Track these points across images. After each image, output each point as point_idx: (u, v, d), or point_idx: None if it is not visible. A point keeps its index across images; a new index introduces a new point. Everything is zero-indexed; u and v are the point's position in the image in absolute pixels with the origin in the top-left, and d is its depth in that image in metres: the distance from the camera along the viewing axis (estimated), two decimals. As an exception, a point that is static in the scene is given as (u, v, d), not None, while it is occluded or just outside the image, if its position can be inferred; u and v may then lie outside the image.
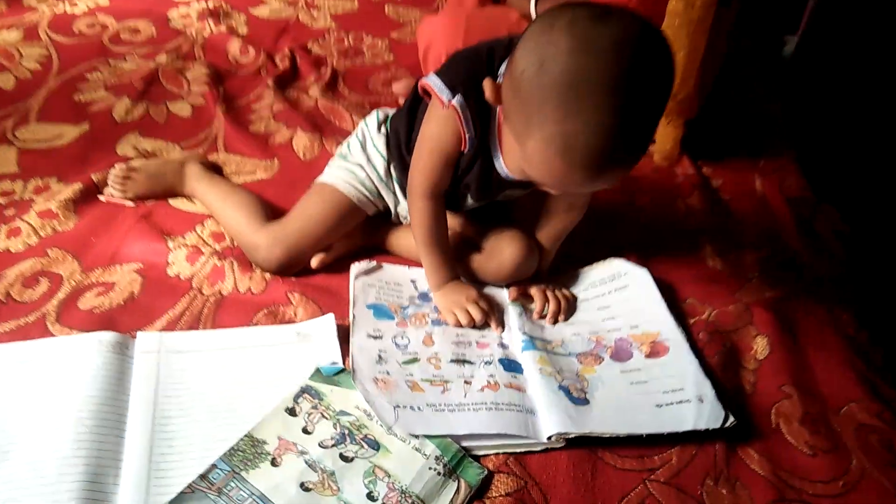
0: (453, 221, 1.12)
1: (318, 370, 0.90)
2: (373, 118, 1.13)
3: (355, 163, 1.10)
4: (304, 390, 0.87)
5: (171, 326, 0.96)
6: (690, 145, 1.40)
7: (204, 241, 1.10)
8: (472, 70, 0.87)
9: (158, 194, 1.16)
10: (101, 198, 1.15)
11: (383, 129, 1.11)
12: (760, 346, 1.02)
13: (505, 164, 0.90)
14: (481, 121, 0.89)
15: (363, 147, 1.11)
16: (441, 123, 0.91)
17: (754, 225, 1.27)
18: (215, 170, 1.23)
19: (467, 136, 0.89)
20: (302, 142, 1.34)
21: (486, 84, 0.80)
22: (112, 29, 1.62)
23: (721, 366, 0.98)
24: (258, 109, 1.41)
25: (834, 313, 1.09)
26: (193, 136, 1.33)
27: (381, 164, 1.09)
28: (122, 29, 1.62)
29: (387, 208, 1.13)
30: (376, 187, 1.10)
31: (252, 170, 1.26)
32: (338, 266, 1.08)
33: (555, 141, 0.71)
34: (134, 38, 1.60)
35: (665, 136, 1.36)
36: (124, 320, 0.96)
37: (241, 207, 1.10)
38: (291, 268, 1.05)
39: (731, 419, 0.87)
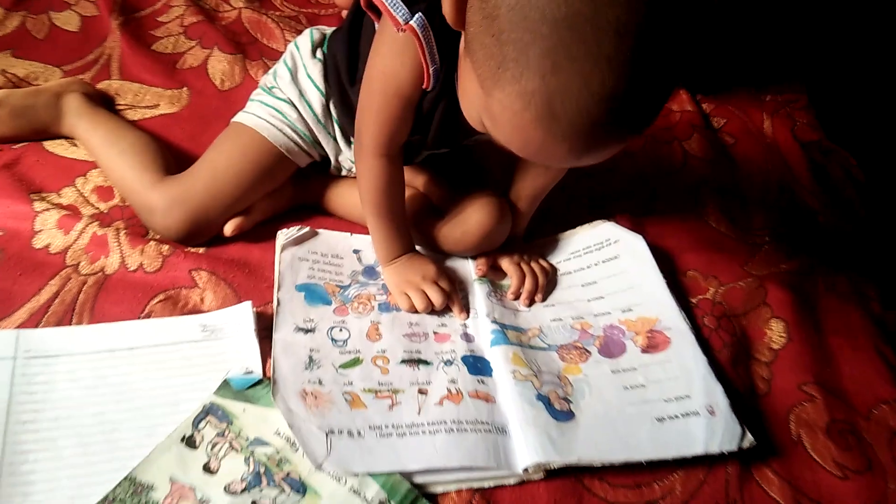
0: (407, 175, 0.89)
1: (226, 382, 0.69)
2: (305, 39, 0.88)
3: (284, 99, 0.86)
4: (208, 411, 0.67)
5: (34, 320, 0.73)
6: (687, 76, 1.19)
7: (85, 198, 0.86)
8: None
9: (28, 134, 0.91)
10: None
11: (319, 54, 0.87)
12: (776, 333, 0.85)
13: (462, 107, 0.66)
14: (448, 47, 0.65)
15: (293, 77, 0.87)
16: (395, 53, 0.68)
17: (764, 175, 1.08)
18: (104, 103, 0.97)
19: (431, 69, 0.66)
20: (220, 65, 1.08)
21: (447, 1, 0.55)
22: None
23: (731, 360, 0.81)
24: (166, 23, 1.14)
25: (857, 287, 0.92)
26: (80, 58, 1.05)
27: (317, 101, 0.86)
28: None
29: (324, 157, 0.90)
30: (311, 132, 0.87)
31: (154, 102, 1.01)
32: (259, 233, 0.86)
33: (534, 101, 0.49)
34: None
35: (661, 65, 1.13)
36: (-30, 312, 0.73)
37: (134, 155, 0.86)
38: (197, 236, 0.83)
39: (750, 438, 0.71)
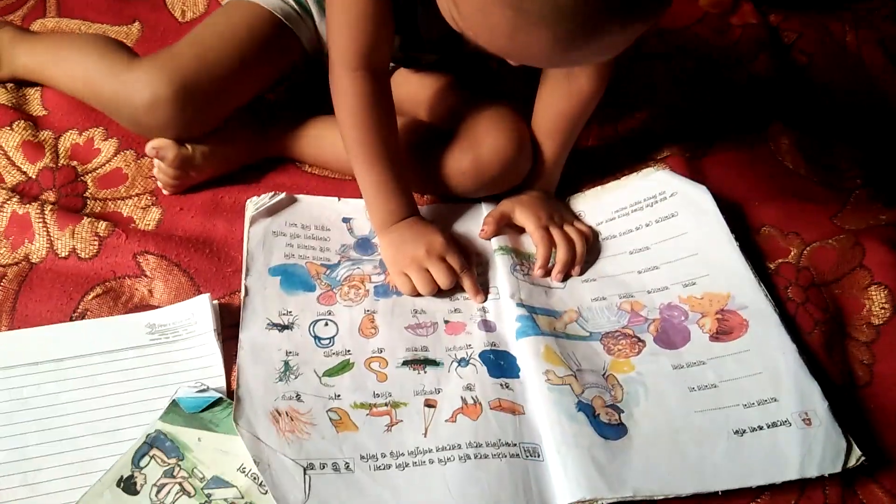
0: (406, 91, 0.75)
1: (175, 403, 0.54)
2: None
3: None
4: (153, 442, 0.52)
5: (-61, 325, 0.58)
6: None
7: (9, 158, 0.70)
8: None
9: None
10: None
11: None
12: (877, 304, 0.67)
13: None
14: None
15: None
16: None
17: (849, 101, 0.88)
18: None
19: None
20: (180, -8, 0.89)
21: None
22: None
23: (823, 344, 0.63)
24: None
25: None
26: (11, -8, 0.88)
27: None
28: None
29: (316, 48, 0.74)
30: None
31: (98, 42, 0.83)
32: (222, 202, 0.70)
33: None
34: None
35: (719, -31, 0.93)
36: None
37: (96, 47, 0.72)
38: (188, 116, 0.66)
39: (858, 453, 0.54)
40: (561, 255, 0.67)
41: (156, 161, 0.68)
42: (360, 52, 0.61)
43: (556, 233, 0.69)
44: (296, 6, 0.71)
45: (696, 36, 0.95)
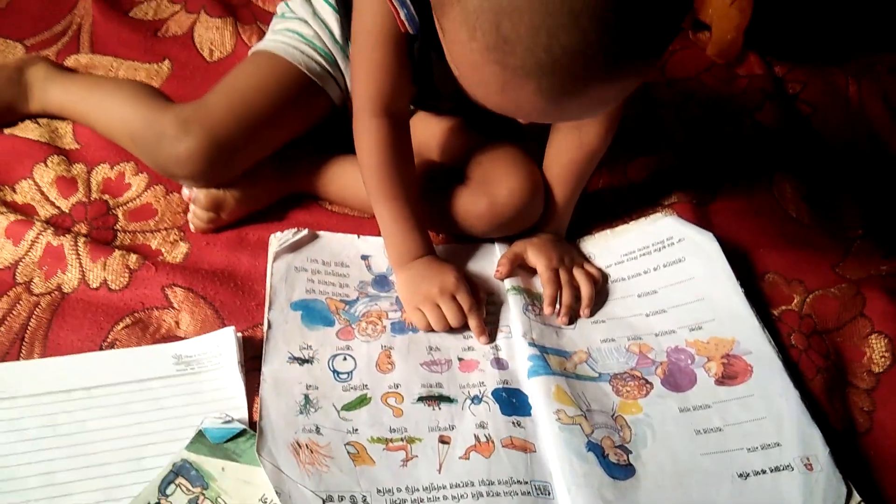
0: (426, 135, 0.78)
1: (202, 433, 0.56)
2: None
3: (297, 18, 0.75)
4: (179, 471, 0.54)
5: (-26, 353, 0.61)
6: (756, 34, 1.00)
7: (43, 193, 0.73)
8: None
9: None
10: None
11: None
12: (878, 352, 0.69)
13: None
14: None
15: None
16: (366, 1, 0.62)
17: (851, 151, 0.91)
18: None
19: (402, 13, 0.58)
20: (207, 33, 0.93)
21: None
22: None
23: (825, 389, 0.65)
24: (147, -17, 0.99)
25: (973, 290, 0.75)
26: (46, 29, 0.91)
27: (331, 18, 0.75)
28: None
29: (343, 98, 0.78)
30: (330, 50, 0.75)
31: (129, 76, 0.86)
32: (247, 238, 0.72)
33: (479, 24, 0.40)
34: None
35: (725, 22, 0.97)
36: None
37: (130, 90, 0.76)
38: (220, 166, 0.69)
39: (858, 499, 0.56)
40: (565, 297, 0.70)
41: (191, 205, 0.71)
42: (381, 99, 0.64)
43: (563, 275, 0.71)
44: (323, 62, 0.74)
45: (703, 85, 0.98)
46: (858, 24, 1.10)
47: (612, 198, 0.82)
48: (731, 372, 0.64)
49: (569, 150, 0.72)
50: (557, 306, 0.70)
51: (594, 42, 0.38)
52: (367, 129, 0.65)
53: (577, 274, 0.72)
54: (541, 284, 0.72)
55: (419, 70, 0.65)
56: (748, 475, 0.57)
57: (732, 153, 0.89)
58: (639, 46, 0.40)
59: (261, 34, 0.92)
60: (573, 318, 0.70)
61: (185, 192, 0.72)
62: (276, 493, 0.52)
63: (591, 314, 0.71)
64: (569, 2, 0.37)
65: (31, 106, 0.80)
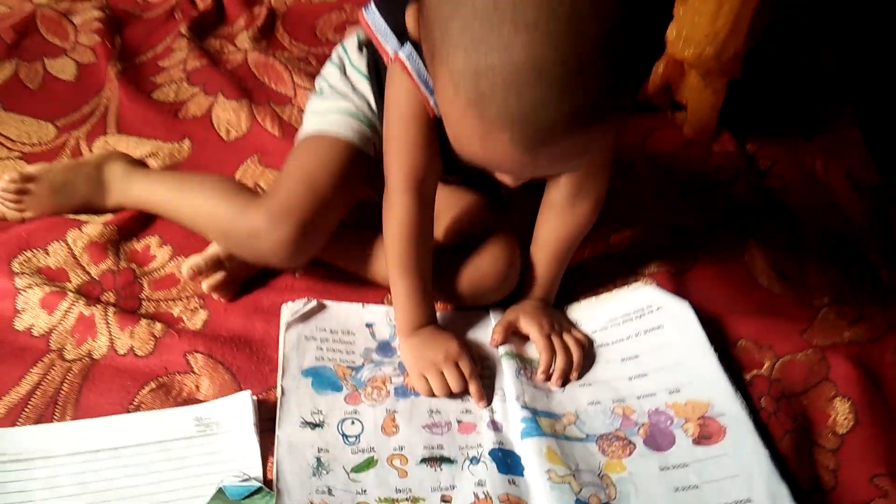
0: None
1: (220, 492, 0.61)
2: (351, 40, 0.83)
3: (338, 94, 0.81)
4: (201, 527, 0.59)
5: (11, 416, 0.66)
6: (729, 114, 1.09)
7: (76, 258, 0.79)
8: None
9: (68, 210, 0.84)
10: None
11: (365, 51, 0.81)
12: (842, 414, 0.75)
13: None
14: None
15: (343, 72, 0.82)
16: (396, 82, 0.68)
17: (818, 225, 0.98)
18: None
19: (431, 100, 0.64)
20: (224, 114, 1.01)
21: (409, 12, 0.55)
22: (-19, -46, 1.24)
23: (793, 449, 0.71)
24: (168, 68, 1.07)
25: (931, 356, 0.82)
26: (75, 110, 0.99)
27: (368, 90, 0.80)
28: (-6, -46, 1.24)
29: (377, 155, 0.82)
30: (370, 119, 0.80)
31: (149, 154, 0.94)
32: (261, 303, 0.78)
33: (461, 82, 0.46)
34: (9, -32, 1.22)
35: (701, 103, 1.05)
36: (-58, 406, 0.66)
37: (214, 188, 0.80)
38: (307, 249, 0.75)
39: (823, 552, 0.61)
40: (560, 362, 0.76)
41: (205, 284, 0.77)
42: (413, 176, 0.70)
43: (556, 341, 0.77)
44: (367, 130, 0.79)
45: (681, 161, 1.06)
46: (823, 105, 1.19)
47: (596, 267, 0.89)
48: (707, 432, 0.70)
49: (559, 228, 0.79)
50: (551, 370, 0.76)
51: (557, 98, 0.44)
52: (396, 204, 0.71)
53: (568, 340, 0.78)
54: (533, 350, 0.78)
55: (443, 148, 0.71)
56: (722, 530, 0.63)
57: (708, 225, 0.96)
58: (598, 104, 0.46)
59: (274, 114, 1.00)
60: (565, 381, 0.76)
61: (185, 269, 0.77)
62: (292, 548, 0.57)
63: (579, 377, 0.77)
64: (535, 62, 0.43)
65: (108, 202, 0.85)
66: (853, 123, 1.17)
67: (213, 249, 0.78)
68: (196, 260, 0.76)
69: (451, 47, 0.46)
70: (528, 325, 0.78)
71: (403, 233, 0.72)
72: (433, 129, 0.68)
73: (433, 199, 0.74)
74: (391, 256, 0.74)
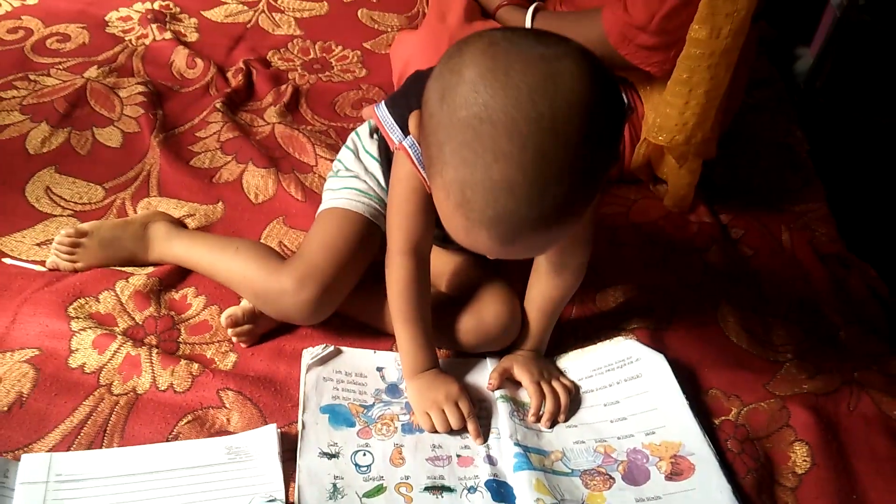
0: (433, 262, 0.93)
1: (251, 510, 0.70)
2: (364, 127, 0.97)
3: (351, 175, 0.93)
4: (232, 541, 0.67)
5: (66, 442, 0.75)
6: (703, 185, 1.21)
7: (122, 305, 0.89)
8: None
9: (114, 263, 0.95)
10: (6, 260, 0.94)
11: (376, 137, 0.94)
12: (800, 457, 0.84)
13: None
14: None
15: (356, 156, 0.95)
16: (400, 164, 0.79)
17: (784, 289, 1.08)
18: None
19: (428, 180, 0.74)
20: (254, 180, 1.13)
21: (412, 118, 0.67)
22: (37, 35, 1.39)
23: (755, 486, 0.80)
24: (204, 138, 1.20)
25: (882, 407, 0.91)
26: (121, 174, 1.11)
27: (378, 171, 0.93)
28: (48, 35, 1.39)
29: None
30: (380, 196, 0.92)
31: (187, 215, 1.05)
32: (284, 349, 0.88)
33: (451, 189, 0.58)
34: (62, 47, 1.37)
35: (679, 180, 1.16)
36: (6, 434, 0.75)
37: (247, 252, 0.91)
38: (327, 308, 0.87)
39: (778, 576, 0.69)
40: (549, 406, 0.85)
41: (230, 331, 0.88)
42: (410, 240, 0.80)
43: (546, 387, 0.87)
44: (377, 206, 0.90)
45: (661, 229, 1.17)
46: (793, 180, 1.32)
47: (583, 323, 0.99)
48: (678, 469, 0.79)
49: (548, 290, 0.88)
50: (541, 413, 0.85)
51: (525, 207, 0.56)
52: (397, 265, 0.81)
53: (556, 386, 0.87)
54: (525, 394, 0.88)
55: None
56: (691, 556, 0.71)
57: (684, 287, 1.06)
58: (560, 209, 0.57)
59: (297, 181, 1.12)
60: (553, 423, 0.85)
61: (223, 318, 0.87)
62: (311, 559, 0.66)
63: (567, 419, 0.86)
64: (508, 182, 0.55)
65: (150, 257, 0.95)
66: (820, 198, 1.29)
67: (249, 303, 0.89)
68: (234, 311, 0.87)
69: (443, 164, 0.58)
70: (520, 373, 0.88)
71: (403, 288, 0.82)
72: (429, 203, 0.78)
73: (429, 259, 0.84)
74: (394, 308, 0.83)
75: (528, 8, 1.20)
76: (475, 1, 1.29)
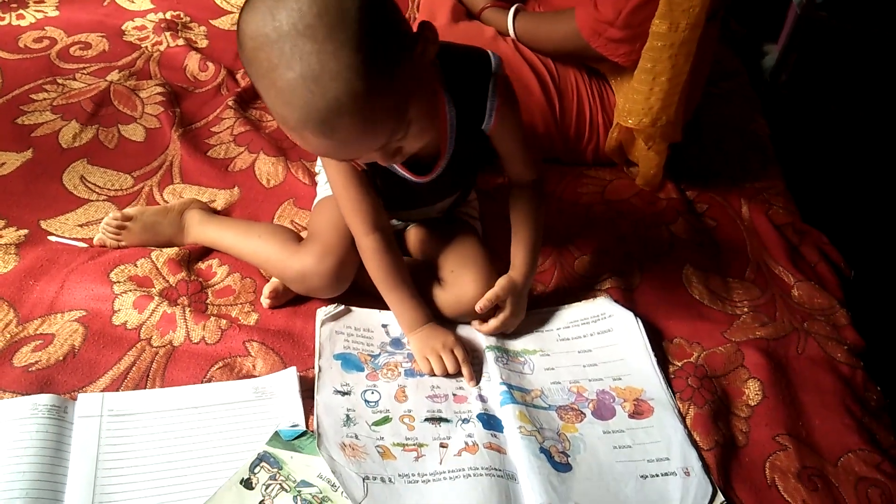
0: (415, 237, 1.07)
1: (276, 434, 0.82)
2: None
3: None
4: (262, 458, 0.79)
5: (115, 385, 0.87)
6: (672, 166, 1.34)
7: (158, 270, 1.01)
8: None
9: (153, 244, 1.06)
10: (52, 237, 1.06)
11: None
12: (752, 391, 0.96)
13: None
14: None
15: None
16: (329, 162, 0.89)
17: (742, 254, 1.21)
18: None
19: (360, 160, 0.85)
20: (265, 167, 1.25)
21: None
22: (61, 43, 1.51)
23: (712, 415, 0.92)
24: (218, 133, 1.32)
25: (827, 350, 1.04)
26: (147, 164, 1.23)
27: None
28: (71, 44, 1.51)
29: None
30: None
31: (210, 200, 1.17)
32: (299, 309, 1.00)
33: (276, 114, 0.68)
34: (84, 54, 1.49)
35: (648, 161, 1.29)
36: (63, 379, 0.87)
37: (270, 237, 1.03)
38: (343, 280, 0.98)
39: (721, 498, 0.82)
40: (503, 315, 0.96)
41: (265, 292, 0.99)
42: (367, 220, 0.90)
43: (508, 307, 0.96)
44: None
45: (633, 205, 1.29)
46: (754, 161, 1.45)
47: (564, 284, 1.11)
48: (640, 410, 0.91)
49: (522, 211, 0.98)
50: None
51: (318, 95, 0.64)
52: (366, 246, 0.92)
53: (516, 311, 0.97)
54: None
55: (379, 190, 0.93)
56: (647, 477, 0.83)
57: (653, 254, 1.19)
58: (351, 90, 0.64)
59: (304, 168, 1.24)
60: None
61: (267, 289, 0.98)
62: (332, 473, 0.78)
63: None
64: (302, 75, 0.63)
65: (186, 240, 1.07)
66: (778, 177, 1.42)
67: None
68: (277, 285, 0.99)
69: (265, 96, 0.68)
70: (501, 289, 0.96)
71: (379, 261, 0.92)
72: (365, 178, 0.89)
73: (391, 232, 0.94)
74: (378, 281, 0.94)
75: (509, 9, 1.33)
76: (461, 3, 1.42)
